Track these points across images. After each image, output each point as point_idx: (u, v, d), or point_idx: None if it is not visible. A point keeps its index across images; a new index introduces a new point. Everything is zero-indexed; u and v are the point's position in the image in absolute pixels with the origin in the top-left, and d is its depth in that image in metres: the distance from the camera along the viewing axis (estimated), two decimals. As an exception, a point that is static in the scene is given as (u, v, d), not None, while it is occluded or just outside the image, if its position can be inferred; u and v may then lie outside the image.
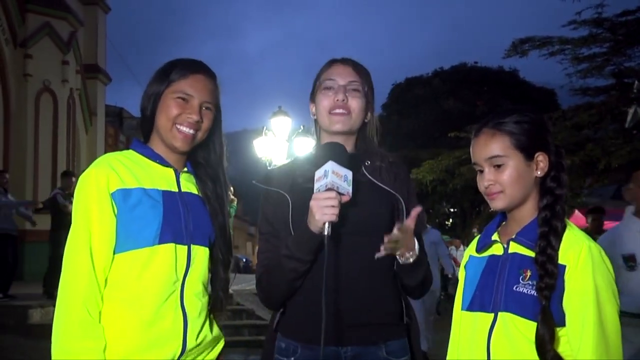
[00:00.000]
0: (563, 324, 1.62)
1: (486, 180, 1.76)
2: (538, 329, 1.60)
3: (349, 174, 1.83)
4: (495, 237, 1.82)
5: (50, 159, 14.30)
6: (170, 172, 1.92)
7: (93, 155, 15.21)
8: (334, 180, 1.78)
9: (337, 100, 2.04)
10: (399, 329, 2.02)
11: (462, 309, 1.83)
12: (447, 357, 1.89)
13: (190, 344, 1.83)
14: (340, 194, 1.80)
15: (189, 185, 1.95)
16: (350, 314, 1.90)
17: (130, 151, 1.94)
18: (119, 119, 23.45)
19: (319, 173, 1.82)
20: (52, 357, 1.73)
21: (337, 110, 2.04)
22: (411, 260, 1.92)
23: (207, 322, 1.94)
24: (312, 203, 1.79)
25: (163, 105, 1.89)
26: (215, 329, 1.98)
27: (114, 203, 1.79)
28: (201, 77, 1.92)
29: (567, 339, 1.62)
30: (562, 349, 1.62)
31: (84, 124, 16.61)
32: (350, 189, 1.82)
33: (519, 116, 1.76)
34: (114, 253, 1.79)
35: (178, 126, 1.89)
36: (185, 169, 1.97)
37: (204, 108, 1.91)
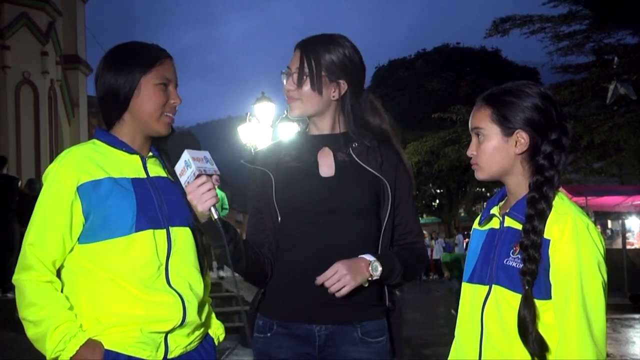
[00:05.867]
0: (550, 297, 1.63)
1: (469, 151, 1.79)
2: (519, 311, 1.62)
3: (207, 153, 1.84)
4: (494, 210, 1.82)
5: (32, 153, 14.15)
6: (136, 158, 1.93)
7: (76, 146, 15.00)
8: (199, 166, 1.77)
9: (285, 89, 2.07)
10: (377, 310, 2.03)
11: (464, 281, 1.85)
12: (456, 328, 1.90)
13: (191, 317, 1.87)
14: (209, 175, 1.79)
15: (156, 169, 1.96)
16: (324, 293, 1.89)
17: (94, 141, 1.95)
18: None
19: (179, 167, 1.80)
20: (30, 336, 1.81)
21: (288, 100, 2.07)
22: (366, 285, 1.94)
23: (206, 304, 2.00)
24: (189, 197, 1.77)
25: (146, 93, 1.89)
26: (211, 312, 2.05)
27: (80, 198, 1.82)
28: (171, 60, 1.96)
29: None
30: (551, 321, 1.63)
31: (66, 116, 16.45)
32: (215, 167, 1.82)
33: (510, 91, 1.75)
34: (87, 242, 1.83)
35: (166, 113, 1.91)
36: (151, 154, 1.98)
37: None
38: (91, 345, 1.77)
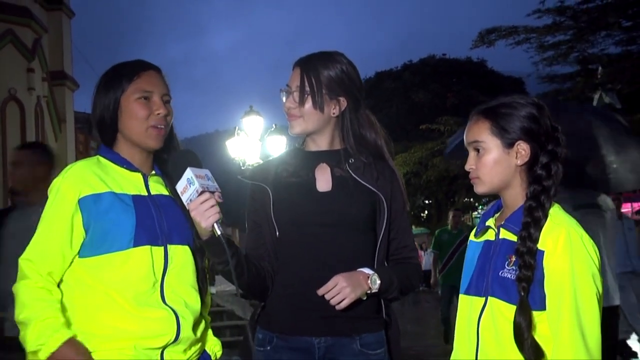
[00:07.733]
0: (545, 308, 1.64)
1: (467, 165, 1.79)
2: (515, 318, 1.62)
3: (208, 171, 1.86)
4: (490, 222, 1.83)
5: (19, 169, 14.03)
6: (137, 176, 1.93)
7: (64, 163, 14.79)
8: (202, 183, 1.79)
9: (286, 107, 2.08)
10: (375, 323, 2.04)
11: (460, 293, 1.87)
12: (454, 339, 1.90)
13: (185, 332, 1.85)
14: (211, 192, 1.81)
15: (158, 187, 1.96)
16: (323, 306, 1.91)
17: (98, 157, 1.95)
18: (89, 125, 23.09)
19: (181, 185, 1.82)
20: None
21: (289, 118, 2.08)
22: (365, 298, 1.96)
23: (203, 321, 1.99)
24: (193, 214, 1.80)
25: (127, 110, 1.89)
26: (209, 331, 2.05)
27: (81, 210, 1.82)
28: (152, 72, 1.95)
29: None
30: (546, 332, 1.63)
31: (53, 132, 16.33)
32: (216, 184, 1.84)
33: (505, 103, 1.76)
34: (86, 256, 1.83)
35: (152, 125, 1.90)
36: (153, 172, 1.98)
37: (164, 101, 1.93)
38: (74, 344, 1.74)
